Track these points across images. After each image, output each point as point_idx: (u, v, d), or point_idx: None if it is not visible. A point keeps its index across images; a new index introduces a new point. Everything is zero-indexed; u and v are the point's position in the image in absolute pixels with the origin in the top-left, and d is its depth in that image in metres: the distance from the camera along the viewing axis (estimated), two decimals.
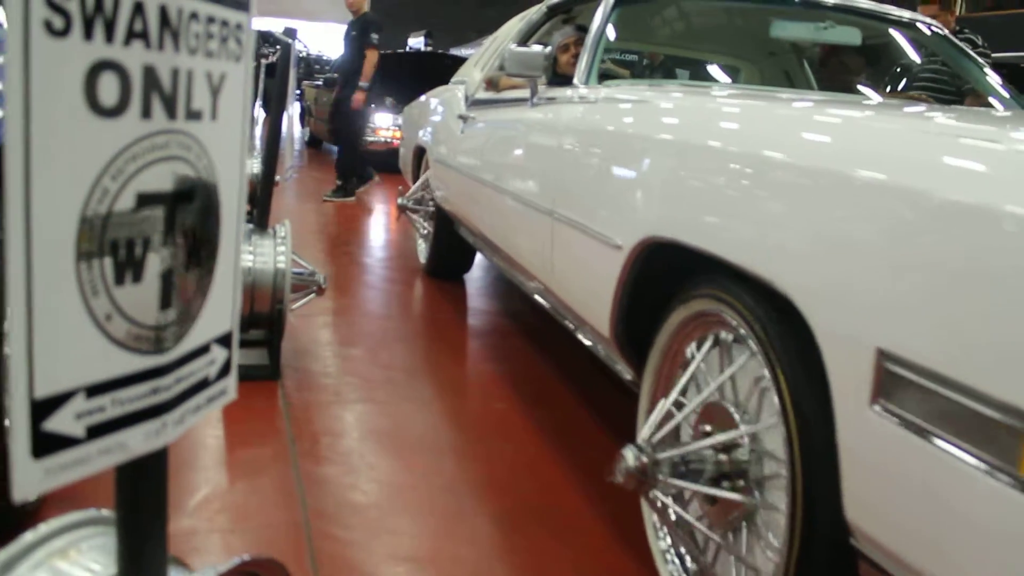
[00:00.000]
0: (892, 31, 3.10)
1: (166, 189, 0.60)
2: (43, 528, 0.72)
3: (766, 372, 1.39)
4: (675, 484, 1.49)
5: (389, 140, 8.87)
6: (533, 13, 3.66)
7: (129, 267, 0.57)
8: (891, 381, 1.07)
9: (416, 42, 16.64)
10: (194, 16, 0.61)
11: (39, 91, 0.49)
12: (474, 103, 3.64)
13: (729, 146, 1.50)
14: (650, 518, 1.79)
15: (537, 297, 2.77)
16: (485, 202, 3.18)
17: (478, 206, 3.34)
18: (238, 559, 0.73)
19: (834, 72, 3.21)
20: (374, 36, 7.02)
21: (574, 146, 2.26)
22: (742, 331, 1.47)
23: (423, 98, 4.80)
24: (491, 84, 3.60)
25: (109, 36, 0.53)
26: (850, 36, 2.90)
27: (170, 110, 0.59)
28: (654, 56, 3.52)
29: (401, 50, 14.93)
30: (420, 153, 4.59)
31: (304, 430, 2.42)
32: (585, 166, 2.16)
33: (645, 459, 1.49)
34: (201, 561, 1.68)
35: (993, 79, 2.92)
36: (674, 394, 1.64)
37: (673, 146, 1.71)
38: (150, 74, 0.57)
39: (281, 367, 2.83)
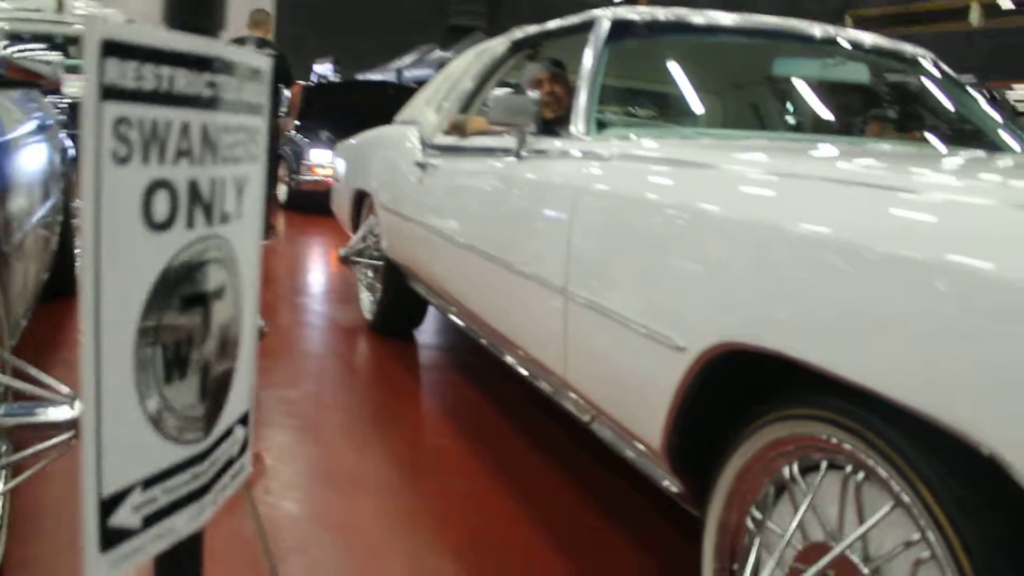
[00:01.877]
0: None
1: (205, 290, 0.64)
2: None
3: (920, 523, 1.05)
4: None
5: (327, 179, 7.48)
6: (491, 51, 3.37)
7: (176, 366, 0.62)
8: None
9: (322, 69, 16.36)
10: (226, 129, 0.66)
11: (107, 214, 0.54)
12: (434, 148, 3.27)
13: (895, 248, 1.05)
14: None
15: (533, 379, 2.35)
16: (456, 264, 2.77)
17: (445, 266, 2.94)
18: None
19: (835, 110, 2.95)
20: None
21: (596, 215, 1.84)
22: (895, 487, 1.08)
23: (364, 137, 4.40)
24: (456, 128, 3.24)
25: (162, 156, 0.58)
26: (857, 73, 2.66)
27: (208, 217, 0.64)
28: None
29: (332, 79, 14.15)
30: (360, 198, 4.22)
31: (256, 477, 2.42)
32: (616, 242, 1.75)
33: None
34: None
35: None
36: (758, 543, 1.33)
37: (788, 234, 1.25)
38: (193, 188, 0.62)
39: None
